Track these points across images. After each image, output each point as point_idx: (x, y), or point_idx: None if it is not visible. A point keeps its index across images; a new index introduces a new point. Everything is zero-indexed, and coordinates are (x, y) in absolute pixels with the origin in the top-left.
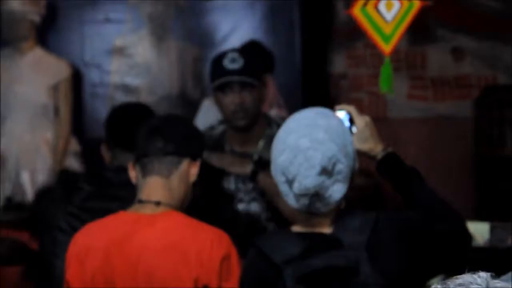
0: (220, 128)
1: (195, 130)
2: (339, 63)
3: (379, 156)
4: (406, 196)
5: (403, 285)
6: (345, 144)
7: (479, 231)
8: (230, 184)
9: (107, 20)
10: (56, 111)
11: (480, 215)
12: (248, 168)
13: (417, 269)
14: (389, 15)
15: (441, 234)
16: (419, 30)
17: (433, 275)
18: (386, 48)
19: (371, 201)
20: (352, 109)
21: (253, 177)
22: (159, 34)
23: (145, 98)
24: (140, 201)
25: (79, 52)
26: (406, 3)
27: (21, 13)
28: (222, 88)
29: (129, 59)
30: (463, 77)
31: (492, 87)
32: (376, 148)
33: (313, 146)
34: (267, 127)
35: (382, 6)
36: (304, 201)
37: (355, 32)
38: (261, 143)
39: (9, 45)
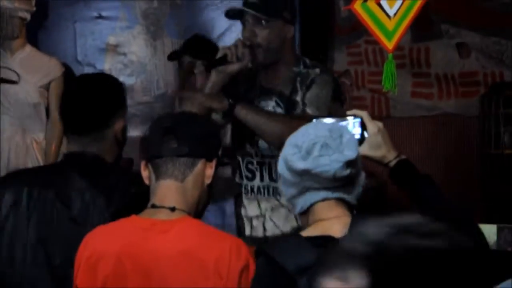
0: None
1: (210, 128)
2: (340, 61)
3: (392, 163)
4: (420, 204)
5: None
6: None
7: (486, 233)
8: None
9: (100, 18)
10: (48, 111)
11: (487, 216)
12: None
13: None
14: (391, 11)
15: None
16: (422, 25)
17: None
18: (389, 44)
19: (374, 203)
20: (364, 114)
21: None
22: (154, 31)
23: (139, 97)
24: (154, 206)
25: (71, 50)
26: None
27: (10, 11)
28: (241, 21)
29: (123, 57)
30: (468, 74)
31: (498, 84)
32: (389, 155)
33: (332, 135)
34: (294, 65)
35: (384, 1)
36: (314, 153)
37: (357, 29)
38: (284, 78)
39: None
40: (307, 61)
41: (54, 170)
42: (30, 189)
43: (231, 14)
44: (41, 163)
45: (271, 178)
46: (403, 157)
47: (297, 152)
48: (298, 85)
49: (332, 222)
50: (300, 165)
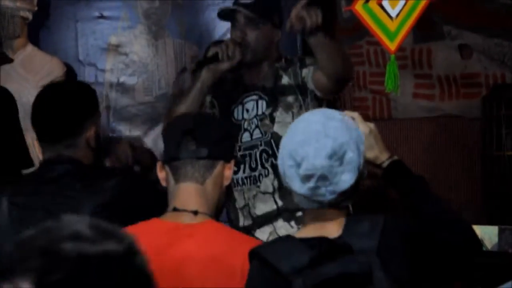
0: None
1: (227, 129)
2: None
3: (385, 164)
4: (412, 205)
5: None
6: (357, 141)
7: (487, 234)
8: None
9: (102, 17)
10: None
11: (488, 217)
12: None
13: (426, 275)
14: (393, 12)
15: (446, 243)
16: (424, 26)
17: (443, 281)
18: (391, 45)
19: (373, 204)
20: (356, 115)
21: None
22: (156, 31)
23: (141, 97)
24: (176, 209)
25: (72, 50)
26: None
27: (12, 10)
28: (231, 22)
29: (124, 57)
30: (470, 75)
31: (500, 86)
32: (382, 156)
33: (326, 131)
34: (276, 62)
35: (386, 2)
36: (310, 183)
37: (358, 29)
38: (266, 74)
39: None
40: (288, 57)
41: (34, 179)
42: (12, 199)
43: (223, 14)
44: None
45: (251, 168)
46: (396, 158)
47: (294, 167)
48: (281, 72)
49: (327, 223)
50: (296, 188)
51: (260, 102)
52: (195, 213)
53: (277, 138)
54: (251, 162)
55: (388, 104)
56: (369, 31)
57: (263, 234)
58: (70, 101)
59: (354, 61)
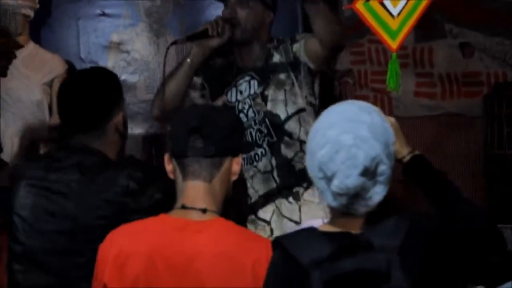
0: None
1: (235, 122)
2: (343, 60)
3: (406, 159)
4: (434, 199)
5: None
6: (388, 143)
7: None
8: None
9: (104, 15)
10: (50, 108)
11: (491, 216)
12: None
13: (448, 275)
14: (395, 10)
15: (468, 235)
16: (425, 25)
17: (466, 281)
18: (393, 44)
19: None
20: (377, 109)
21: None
22: (157, 29)
23: (142, 95)
24: (184, 207)
25: (74, 47)
26: None
27: (13, 7)
28: (223, 2)
29: (126, 55)
30: (471, 74)
31: (502, 84)
32: (403, 150)
33: (357, 143)
34: (268, 43)
35: (387, 1)
36: (343, 200)
37: (359, 28)
38: (258, 55)
39: None
40: (280, 38)
41: (54, 165)
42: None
43: None
44: None
45: None
46: (417, 152)
47: (324, 179)
48: (273, 51)
49: (352, 219)
50: (328, 201)
51: (252, 82)
52: (204, 211)
53: (271, 116)
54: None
55: (389, 103)
56: (371, 30)
57: (266, 213)
58: (95, 88)
59: (355, 60)
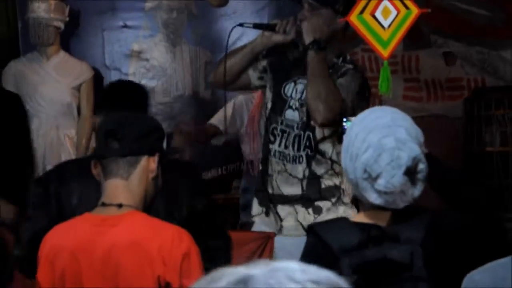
0: None
1: (151, 124)
2: None
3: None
4: (436, 184)
5: (451, 280)
6: (421, 143)
7: None
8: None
9: (126, 27)
10: (79, 109)
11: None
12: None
13: (465, 265)
14: (386, 22)
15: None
16: (413, 36)
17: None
18: (384, 52)
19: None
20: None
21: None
22: (173, 39)
23: (160, 98)
24: (103, 204)
25: (100, 56)
26: (403, 11)
27: (46, 20)
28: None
29: (145, 62)
30: (454, 79)
31: (481, 89)
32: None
33: (398, 146)
34: (336, 56)
35: (379, 14)
36: (388, 198)
37: (354, 38)
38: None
39: (36, 49)
40: (348, 57)
41: (80, 171)
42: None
43: None
44: (73, 157)
45: (285, 146)
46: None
47: (369, 179)
48: (331, 69)
49: (382, 212)
50: (372, 199)
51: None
52: (120, 206)
53: (310, 132)
54: (286, 141)
55: (379, 105)
56: (364, 40)
57: (282, 211)
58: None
59: None
